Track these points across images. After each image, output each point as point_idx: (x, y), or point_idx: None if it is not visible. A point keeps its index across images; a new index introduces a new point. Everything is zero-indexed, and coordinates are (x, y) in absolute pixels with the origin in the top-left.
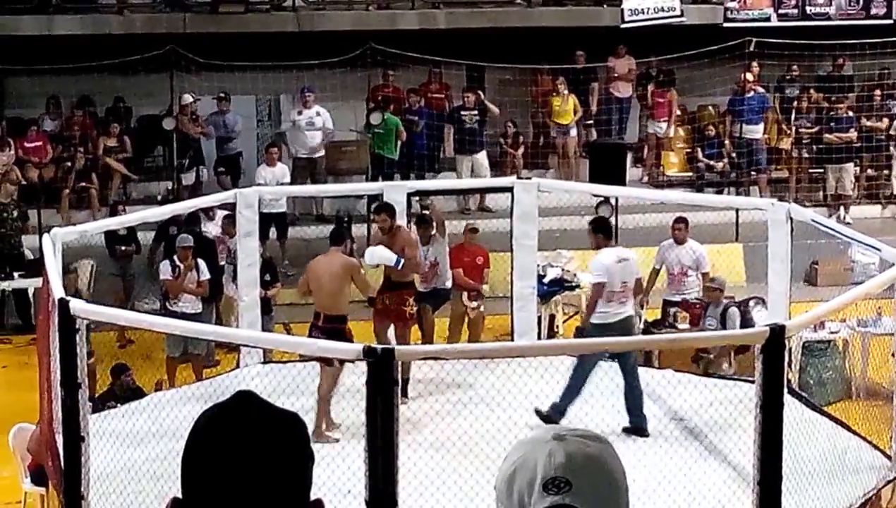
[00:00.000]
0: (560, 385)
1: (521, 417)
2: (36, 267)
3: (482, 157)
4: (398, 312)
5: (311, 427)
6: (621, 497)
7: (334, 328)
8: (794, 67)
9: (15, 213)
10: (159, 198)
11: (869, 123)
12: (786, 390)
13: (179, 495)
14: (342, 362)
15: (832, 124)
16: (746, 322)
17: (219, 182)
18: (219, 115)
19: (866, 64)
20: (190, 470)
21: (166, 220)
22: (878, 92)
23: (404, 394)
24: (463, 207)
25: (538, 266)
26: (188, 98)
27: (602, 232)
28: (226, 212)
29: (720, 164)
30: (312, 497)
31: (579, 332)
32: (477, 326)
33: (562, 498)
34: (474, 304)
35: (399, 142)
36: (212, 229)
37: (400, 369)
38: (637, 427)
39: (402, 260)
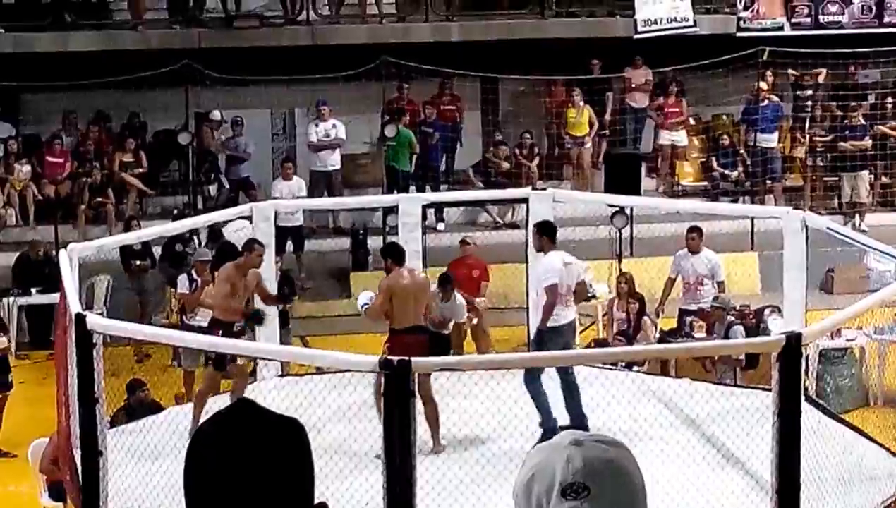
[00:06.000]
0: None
1: (538, 427)
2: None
3: None
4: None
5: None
6: (639, 503)
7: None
8: (807, 77)
9: None
10: (175, 212)
11: (884, 128)
12: (803, 398)
13: None
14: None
15: (846, 132)
16: (761, 332)
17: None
18: (231, 139)
19: (880, 71)
20: (191, 482)
21: (171, 237)
22: (889, 99)
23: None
24: (493, 221)
25: None
26: (217, 114)
27: (549, 234)
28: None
29: (735, 173)
30: (329, 505)
31: (539, 334)
32: (479, 338)
33: (580, 504)
34: (465, 317)
35: (414, 155)
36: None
37: (427, 418)
38: (579, 426)
39: (367, 305)
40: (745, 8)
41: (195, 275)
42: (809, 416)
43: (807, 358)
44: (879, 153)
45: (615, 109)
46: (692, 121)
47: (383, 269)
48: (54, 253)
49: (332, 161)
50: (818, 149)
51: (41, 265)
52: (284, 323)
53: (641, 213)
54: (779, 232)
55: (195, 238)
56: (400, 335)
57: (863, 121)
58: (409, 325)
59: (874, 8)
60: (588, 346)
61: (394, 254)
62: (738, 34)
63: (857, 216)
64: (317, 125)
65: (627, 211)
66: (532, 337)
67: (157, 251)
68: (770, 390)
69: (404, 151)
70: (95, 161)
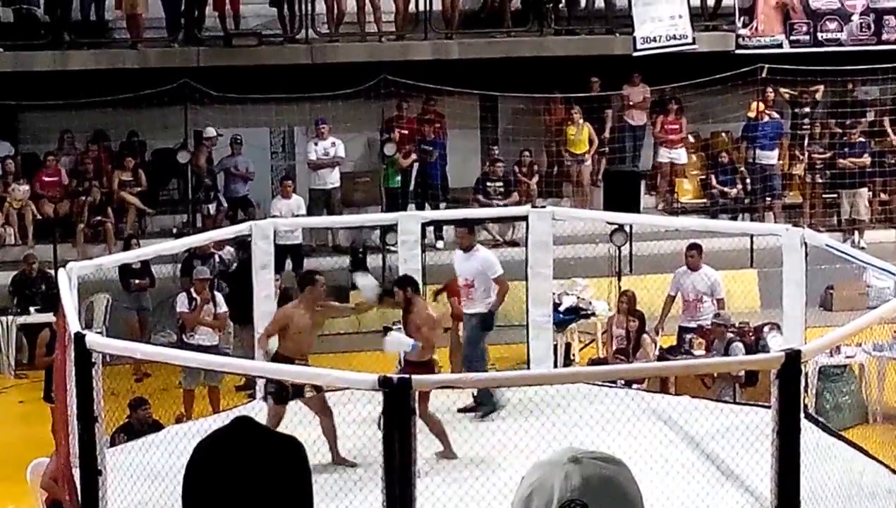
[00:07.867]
0: (576, 413)
1: (537, 445)
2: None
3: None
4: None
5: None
6: None
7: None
8: (805, 95)
9: None
10: (174, 231)
11: (889, 135)
12: (802, 415)
13: None
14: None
15: (846, 149)
16: (760, 349)
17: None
18: (230, 158)
19: (879, 88)
20: (191, 500)
21: (189, 254)
22: (883, 118)
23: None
24: (493, 239)
25: (554, 294)
26: (211, 131)
27: (473, 230)
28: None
29: (734, 191)
30: None
31: (490, 317)
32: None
33: None
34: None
35: (412, 172)
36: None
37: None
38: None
39: (418, 345)
40: (744, 25)
41: (194, 294)
42: (809, 433)
43: (806, 375)
44: (878, 170)
45: (614, 127)
46: (691, 139)
47: (400, 299)
48: (52, 271)
49: (332, 179)
50: (817, 167)
51: (37, 281)
52: None
53: (641, 231)
54: (778, 249)
55: (216, 254)
56: (424, 366)
57: (861, 138)
58: (429, 357)
59: (872, 25)
60: (587, 364)
61: (413, 284)
62: (737, 51)
63: (856, 233)
64: (316, 143)
65: (627, 228)
66: (476, 321)
67: (156, 269)
68: (769, 407)
69: (390, 170)
70: (94, 180)
